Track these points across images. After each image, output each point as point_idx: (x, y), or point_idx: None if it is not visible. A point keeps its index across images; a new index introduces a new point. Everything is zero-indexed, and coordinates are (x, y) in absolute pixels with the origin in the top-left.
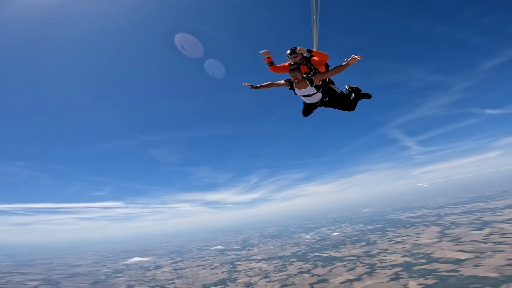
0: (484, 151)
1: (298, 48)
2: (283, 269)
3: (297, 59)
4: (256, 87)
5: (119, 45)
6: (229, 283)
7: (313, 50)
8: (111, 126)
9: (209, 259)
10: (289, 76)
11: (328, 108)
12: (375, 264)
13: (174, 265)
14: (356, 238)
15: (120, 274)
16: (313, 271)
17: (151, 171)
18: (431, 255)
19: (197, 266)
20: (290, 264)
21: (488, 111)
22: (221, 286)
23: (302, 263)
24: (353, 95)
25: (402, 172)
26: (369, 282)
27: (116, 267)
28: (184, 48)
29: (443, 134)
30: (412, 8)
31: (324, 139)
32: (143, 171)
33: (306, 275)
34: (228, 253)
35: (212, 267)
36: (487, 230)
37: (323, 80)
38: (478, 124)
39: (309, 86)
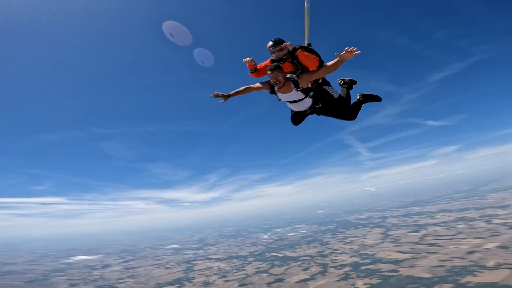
0: (423, 159)
1: (285, 43)
2: (241, 268)
3: (281, 53)
4: (229, 96)
5: (76, 29)
6: (186, 283)
7: (300, 47)
8: (59, 115)
9: (164, 258)
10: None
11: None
12: (328, 264)
13: (124, 264)
14: (310, 238)
15: (61, 273)
16: (270, 271)
17: (102, 166)
18: (375, 256)
19: (151, 265)
20: (248, 264)
21: (430, 122)
22: (177, 285)
23: (259, 262)
24: (357, 98)
25: (354, 176)
26: (322, 282)
27: (56, 266)
28: (173, 36)
29: (390, 142)
30: (377, 18)
31: (285, 141)
32: (92, 165)
33: (264, 275)
34: (185, 252)
35: (167, 266)
36: (423, 232)
37: (314, 81)
38: (420, 134)
39: (294, 89)
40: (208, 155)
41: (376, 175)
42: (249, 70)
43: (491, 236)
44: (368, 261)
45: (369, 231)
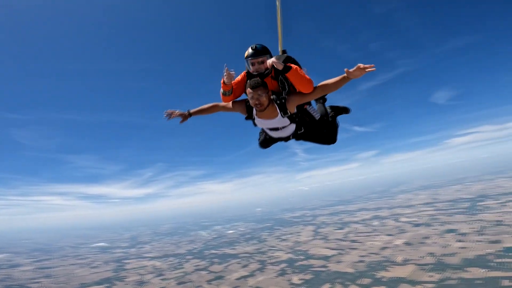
0: (349, 162)
1: (270, 61)
2: (178, 266)
3: (263, 67)
4: (190, 115)
5: None
6: (117, 282)
7: (293, 67)
8: None
9: (88, 257)
10: (246, 95)
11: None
12: (265, 260)
13: (38, 263)
14: (249, 236)
15: None
16: (210, 268)
17: (10, 156)
18: (308, 252)
19: (72, 264)
20: (186, 262)
21: (356, 128)
22: (107, 285)
23: (198, 260)
24: (329, 112)
25: (290, 176)
26: (260, 278)
27: None
28: None
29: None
30: (324, 25)
31: (228, 138)
32: None
33: (203, 272)
34: (114, 251)
35: (92, 265)
36: (346, 230)
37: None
38: (348, 138)
39: (279, 115)
40: (143, 148)
41: (310, 175)
42: (222, 90)
43: (399, 233)
44: (302, 257)
45: (302, 229)
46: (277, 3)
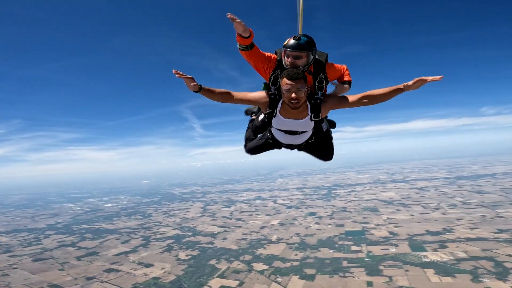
0: (242, 143)
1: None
2: (35, 242)
3: (299, 62)
4: (201, 88)
5: None
6: None
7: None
8: None
9: None
10: (271, 86)
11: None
12: (150, 236)
13: None
14: (132, 210)
15: None
16: (80, 244)
17: None
18: (195, 228)
19: None
20: (46, 237)
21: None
22: None
23: (63, 236)
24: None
25: (184, 150)
26: (144, 254)
27: None
28: None
29: (222, 122)
30: (245, 7)
31: (116, 101)
32: None
33: (71, 248)
34: None
35: None
36: (232, 208)
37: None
38: (245, 120)
39: (308, 117)
40: None
41: (204, 152)
42: (240, 45)
43: (275, 214)
44: (190, 233)
45: (191, 205)
46: None
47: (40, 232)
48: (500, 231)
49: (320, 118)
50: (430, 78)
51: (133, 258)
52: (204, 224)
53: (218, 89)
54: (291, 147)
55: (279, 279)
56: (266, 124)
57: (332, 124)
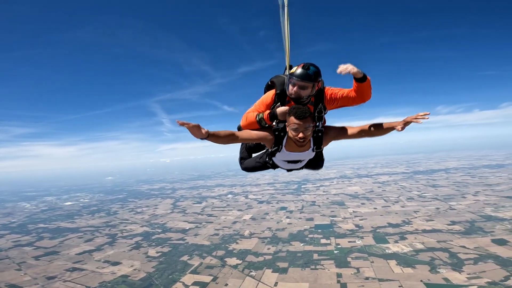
0: None
1: (343, 68)
2: None
3: (305, 93)
4: (208, 136)
5: None
6: None
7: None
8: None
9: None
10: (271, 120)
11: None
12: (116, 234)
13: None
14: (95, 208)
15: None
16: (37, 244)
17: None
18: (165, 225)
19: None
20: (0, 238)
21: (225, 107)
22: None
23: (18, 235)
24: None
25: (152, 146)
26: (110, 252)
27: None
28: None
29: (193, 118)
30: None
31: (76, 94)
32: None
33: (27, 248)
34: None
35: None
36: (204, 204)
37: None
38: (216, 116)
39: (310, 148)
40: None
41: (173, 147)
42: (260, 117)
43: (247, 209)
44: (159, 230)
45: (160, 201)
46: (284, 10)
47: None
48: (453, 223)
49: (322, 149)
50: (420, 118)
51: (98, 257)
52: (175, 220)
53: (223, 132)
54: (290, 170)
55: (253, 273)
56: (262, 148)
57: None
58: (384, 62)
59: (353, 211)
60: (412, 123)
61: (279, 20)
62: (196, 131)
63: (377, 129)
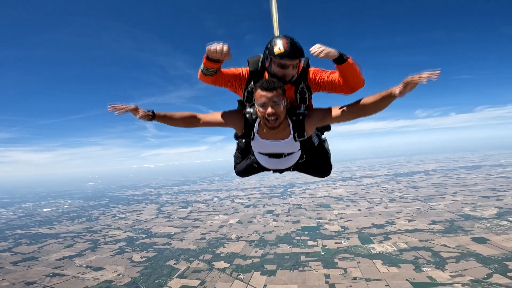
0: (198, 144)
1: (316, 48)
2: None
3: (293, 72)
4: (154, 116)
5: None
6: None
7: (349, 57)
8: None
9: None
10: (246, 102)
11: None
12: (98, 239)
13: None
14: (75, 214)
15: None
16: (15, 250)
17: None
18: (150, 230)
19: None
20: None
21: (211, 111)
22: None
23: None
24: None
25: (135, 151)
26: (93, 257)
27: None
28: None
29: None
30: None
31: (52, 97)
32: None
33: (5, 254)
34: None
35: None
36: (189, 209)
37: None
38: None
39: (290, 137)
40: None
41: (157, 153)
42: (203, 67)
43: (234, 213)
44: (144, 235)
45: (144, 207)
46: None
47: None
48: (434, 222)
49: (305, 137)
50: (424, 76)
51: (79, 262)
52: (160, 225)
53: (179, 113)
54: (279, 171)
55: (241, 276)
56: (248, 146)
57: (327, 128)
58: (364, 67)
59: (339, 213)
60: (412, 86)
61: (265, 24)
62: (135, 114)
63: (373, 102)
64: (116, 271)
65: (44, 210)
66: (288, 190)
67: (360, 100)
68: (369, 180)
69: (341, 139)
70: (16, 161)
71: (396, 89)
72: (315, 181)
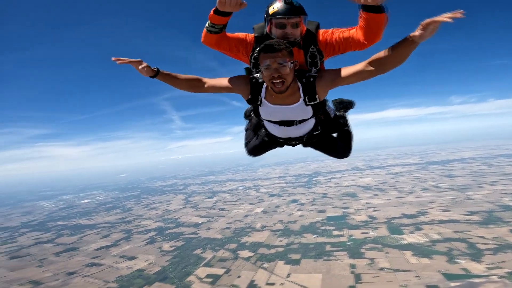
0: (222, 135)
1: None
2: (10, 240)
3: (296, 32)
4: (158, 73)
5: None
6: None
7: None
8: None
9: None
10: (253, 69)
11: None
12: (131, 229)
13: None
14: (110, 205)
15: None
16: (57, 241)
17: None
18: (178, 220)
19: None
20: (21, 235)
21: (234, 102)
22: None
23: (39, 233)
24: (338, 113)
25: (162, 143)
26: (126, 247)
27: None
28: None
29: (201, 114)
30: None
31: (83, 94)
32: None
33: (48, 245)
34: None
35: None
36: (215, 198)
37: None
38: (224, 112)
39: (301, 101)
40: None
41: (183, 145)
42: (209, 23)
43: (258, 202)
44: (172, 225)
45: (173, 197)
46: None
47: (14, 230)
48: (471, 213)
49: (318, 100)
50: (446, 16)
51: (115, 252)
52: (187, 215)
53: (183, 75)
54: (291, 141)
55: (265, 265)
56: (260, 119)
57: (349, 105)
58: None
59: (366, 203)
60: (433, 29)
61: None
62: (137, 67)
63: (391, 54)
64: (147, 260)
65: (83, 201)
66: (313, 179)
67: (375, 55)
68: (399, 169)
69: (366, 127)
70: (54, 156)
71: (416, 33)
72: (341, 170)
